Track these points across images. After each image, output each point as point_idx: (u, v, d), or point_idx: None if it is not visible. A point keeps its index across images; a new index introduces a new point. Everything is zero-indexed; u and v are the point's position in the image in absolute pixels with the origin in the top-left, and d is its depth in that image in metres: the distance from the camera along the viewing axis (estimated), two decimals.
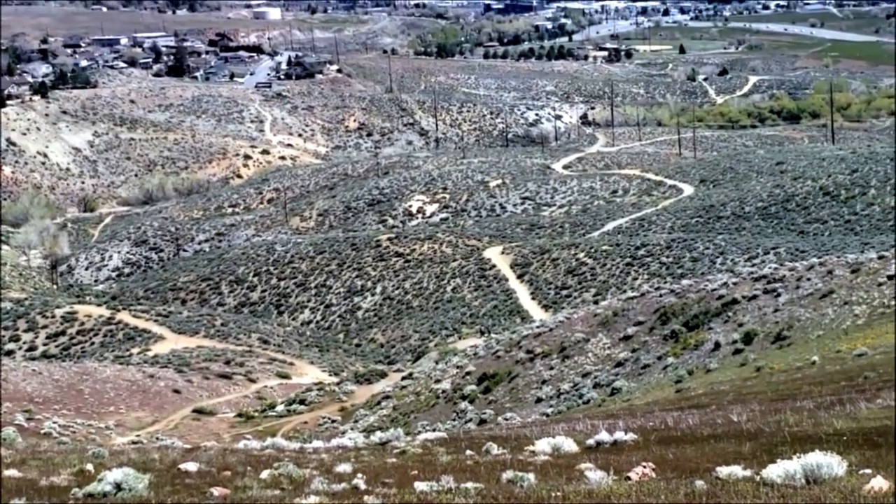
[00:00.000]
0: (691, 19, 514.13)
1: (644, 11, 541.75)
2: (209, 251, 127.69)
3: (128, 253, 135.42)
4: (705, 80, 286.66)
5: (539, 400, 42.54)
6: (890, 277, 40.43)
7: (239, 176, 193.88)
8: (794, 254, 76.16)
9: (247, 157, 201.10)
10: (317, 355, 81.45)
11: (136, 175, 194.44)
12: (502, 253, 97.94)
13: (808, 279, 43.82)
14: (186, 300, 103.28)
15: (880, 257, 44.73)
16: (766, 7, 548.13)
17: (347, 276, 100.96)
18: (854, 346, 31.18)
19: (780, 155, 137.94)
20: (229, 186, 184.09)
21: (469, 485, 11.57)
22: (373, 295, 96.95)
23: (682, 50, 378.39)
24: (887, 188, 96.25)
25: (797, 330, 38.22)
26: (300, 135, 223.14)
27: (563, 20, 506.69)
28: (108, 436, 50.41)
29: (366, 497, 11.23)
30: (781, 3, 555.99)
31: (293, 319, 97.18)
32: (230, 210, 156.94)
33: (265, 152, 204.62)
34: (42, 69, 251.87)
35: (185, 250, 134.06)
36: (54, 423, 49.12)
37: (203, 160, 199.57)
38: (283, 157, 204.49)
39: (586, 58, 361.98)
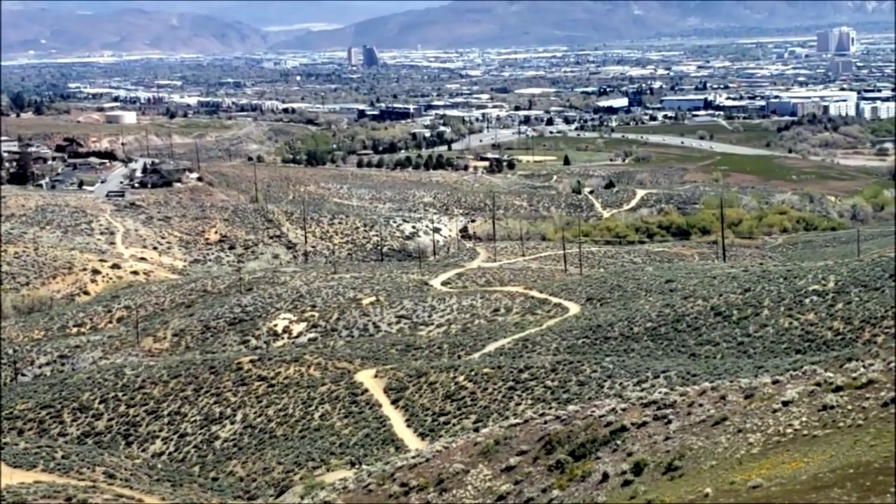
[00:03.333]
0: (576, 129, 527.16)
1: (527, 120, 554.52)
2: (50, 375, 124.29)
3: None
4: (591, 192, 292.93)
5: None
6: (785, 403, 41.24)
7: (86, 292, 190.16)
8: (686, 377, 77.22)
9: (95, 271, 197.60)
10: (169, 490, 79.33)
11: None
12: (375, 376, 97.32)
13: (700, 405, 44.41)
14: (24, 430, 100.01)
15: (774, 382, 45.61)
16: (653, 118, 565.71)
17: (204, 403, 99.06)
18: (749, 477, 31.52)
19: (669, 272, 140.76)
20: (75, 304, 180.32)
21: None
22: (232, 423, 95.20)
23: (566, 161, 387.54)
24: (781, 308, 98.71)
25: (689, 459, 38.57)
26: (155, 248, 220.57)
27: (441, 128, 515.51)
28: None
29: None
30: (669, 114, 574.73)
31: (143, 451, 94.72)
32: (75, 330, 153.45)
33: (116, 267, 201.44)
34: None
35: (23, 374, 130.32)
36: None
37: (46, 275, 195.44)
38: (135, 272, 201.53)
39: (466, 168, 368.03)
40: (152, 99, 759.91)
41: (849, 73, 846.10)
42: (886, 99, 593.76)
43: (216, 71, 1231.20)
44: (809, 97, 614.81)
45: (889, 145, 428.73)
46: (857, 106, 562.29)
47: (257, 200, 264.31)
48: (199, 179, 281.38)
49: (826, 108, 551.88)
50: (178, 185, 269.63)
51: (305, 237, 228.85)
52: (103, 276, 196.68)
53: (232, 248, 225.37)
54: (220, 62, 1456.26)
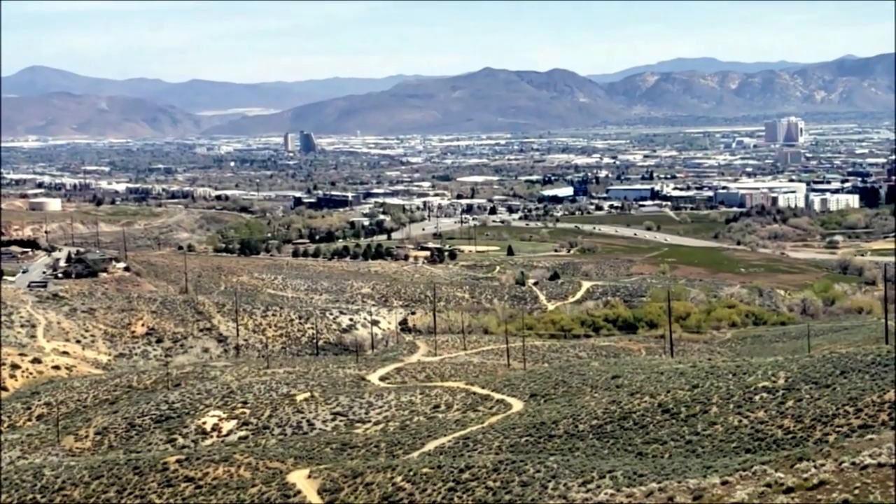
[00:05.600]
0: (520, 219, 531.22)
1: (470, 209, 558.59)
2: None
3: None
4: (535, 284, 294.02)
5: None
6: None
7: (4, 388, 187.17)
8: (632, 477, 77.14)
9: (14, 366, 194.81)
10: None
11: None
12: (309, 477, 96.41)
13: None
14: None
15: (724, 482, 45.76)
16: (599, 208, 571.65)
17: None
18: None
19: (615, 368, 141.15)
20: None
21: None
22: None
23: (510, 251, 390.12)
24: (730, 406, 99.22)
25: None
26: (78, 341, 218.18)
27: (381, 216, 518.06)
28: None
29: None
30: (615, 204, 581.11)
31: None
32: None
33: (36, 361, 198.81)
34: None
35: None
36: None
37: None
38: (57, 367, 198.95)
39: (406, 258, 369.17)
40: (79, 185, 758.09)
41: (797, 164, 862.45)
42: (836, 191, 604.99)
43: (146, 156, 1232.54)
44: (758, 188, 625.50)
45: (839, 238, 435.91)
46: (807, 198, 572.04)
47: (187, 291, 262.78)
48: (126, 269, 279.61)
49: (775, 200, 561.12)
50: (104, 275, 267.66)
51: (237, 330, 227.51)
52: (23, 371, 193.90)
53: (159, 341, 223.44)
54: (151, 147, 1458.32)
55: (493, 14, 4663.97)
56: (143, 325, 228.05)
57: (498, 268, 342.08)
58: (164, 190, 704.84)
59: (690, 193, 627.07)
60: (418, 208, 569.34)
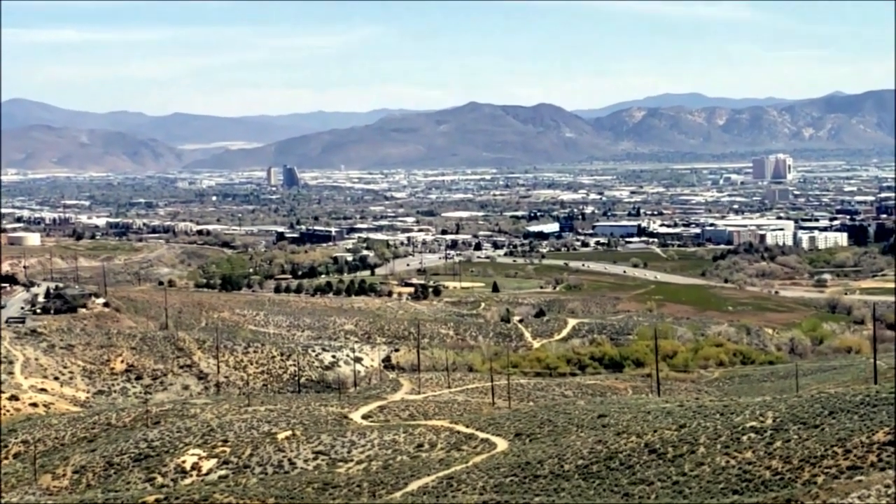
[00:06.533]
0: (505, 255, 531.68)
1: (454, 245, 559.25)
2: None
3: None
4: (521, 321, 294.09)
5: None
6: None
7: None
8: None
9: None
10: None
11: None
12: None
13: None
14: None
15: None
16: (585, 244, 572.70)
17: None
18: None
19: (602, 407, 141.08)
20: None
21: None
22: None
23: (495, 288, 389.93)
24: (717, 446, 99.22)
25: None
26: (57, 378, 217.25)
27: (364, 252, 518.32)
28: None
29: None
30: (602, 240, 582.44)
31: None
32: None
33: (13, 398, 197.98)
34: None
35: None
36: None
37: None
38: (34, 404, 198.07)
39: (390, 294, 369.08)
40: (58, 219, 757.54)
41: (785, 202, 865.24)
42: (824, 228, 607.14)
43: (127, 190, 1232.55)
44: (745, 225, 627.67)
45: (827, 276, 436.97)
46: (795, 235, 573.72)
47: (167, 327, 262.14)
48: (106, 305, 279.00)
49: (763, 237, 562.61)
50: (83, 310, 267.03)
51: (218, 367, 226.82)
52: None
53: (139, 378, 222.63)
54: (132, 181, 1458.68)
55: (479, 48, 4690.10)
56: (122, 361, 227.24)
57: (483, 304, 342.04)
58: (144, 224, 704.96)
59: (677, 230, 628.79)
60: (402, 244, 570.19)
